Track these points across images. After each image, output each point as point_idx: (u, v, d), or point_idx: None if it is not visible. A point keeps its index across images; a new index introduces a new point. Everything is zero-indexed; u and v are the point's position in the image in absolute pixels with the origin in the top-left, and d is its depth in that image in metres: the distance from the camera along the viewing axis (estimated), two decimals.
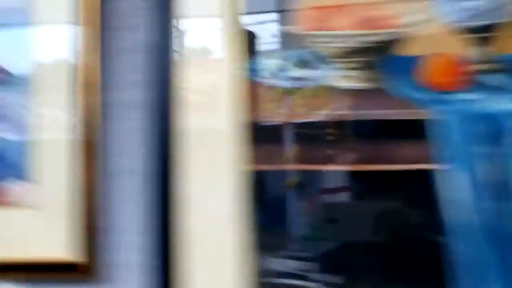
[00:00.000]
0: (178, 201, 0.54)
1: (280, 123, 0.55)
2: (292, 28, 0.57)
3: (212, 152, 0.55)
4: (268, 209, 0.54)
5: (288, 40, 0.57)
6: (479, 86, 0.52)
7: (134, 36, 0.60)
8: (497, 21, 0.53)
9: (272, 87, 0.56)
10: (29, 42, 0.61)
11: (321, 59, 0.56)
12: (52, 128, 0.59)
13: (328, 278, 0.51)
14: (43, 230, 0.57)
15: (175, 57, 0.57)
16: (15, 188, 0.58)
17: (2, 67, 0.61)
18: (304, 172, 0.54)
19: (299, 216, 0.53)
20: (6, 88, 0.61)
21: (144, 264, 0.55)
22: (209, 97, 0.56)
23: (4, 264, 0.57)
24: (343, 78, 0.55)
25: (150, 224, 0.55)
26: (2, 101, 0.60)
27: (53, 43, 0.61)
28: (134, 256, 0.56)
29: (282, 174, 0.54)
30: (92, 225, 0.56)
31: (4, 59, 0.62)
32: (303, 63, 0.56)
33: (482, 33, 0.53)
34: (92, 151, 0.57)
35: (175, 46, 0.57)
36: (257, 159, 0.54)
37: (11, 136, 0.59)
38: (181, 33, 0.57)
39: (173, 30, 0.57)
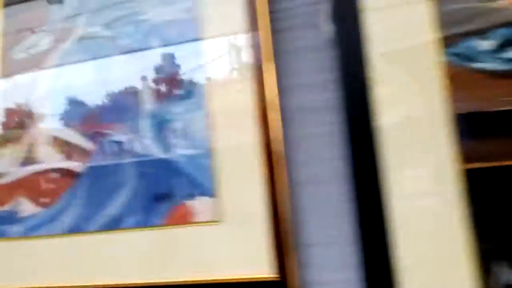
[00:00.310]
0: (385, 208, 0.49)
1: (496, 111, 0.48)
2: (499, 3, 0.50)
3: (419, 150, 0.49)
4: (494, 211, 0.47)
5: (496, 17, 0.50)
6: None
7: (311, 34, 0.56)
8: None
9: (481, 71, 0.49)
10: (202, 53, 0.59)
11: None
12: (232, 140, 0.56)
13: None
14: (233, 247, 0.54)
15: (363, 51, 0.52)
16: (201, 204, 0.56)
17: (180, 81, 0.59)
18: None
19: None
20: (184, 103, 0.59)
21: (350, 281, 0.50)
22: (409, 88, 0.50)
23: (196, 284, 0.54)
24: None
25: (353, 236, 0.51)
26: (181, 117, 0.58)
27: (227, 51, 0.58)
28: (339, 273, 0.51)
29: (506, 171, 0.47)
30: (286, 239, 0.52)
31: (180, 73, 0.60)
32: None
33: None
34: (278, 161, 0.54)
35: (361, 39, 0.52)
36: (473, 155, 0.48)
37: (192, 152, 0.57)
38: (366, 25, 0.52)
39: (358, 22, 0.52)
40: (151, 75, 0.61)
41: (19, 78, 0.69)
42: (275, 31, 0.56)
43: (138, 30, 0.63)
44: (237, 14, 0.58)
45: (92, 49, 0.65)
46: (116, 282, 0.57)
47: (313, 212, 0.54)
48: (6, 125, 0.68)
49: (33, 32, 0.69)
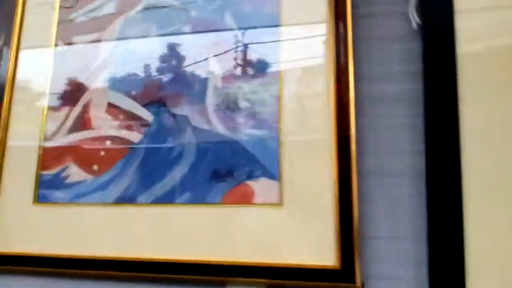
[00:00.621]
0: (458, 205, 0.48)
1: None
2: None
3: (500, 150, 0.48)
4: None
5: None
6: None
7: (392, 23, 0.55)
8: None
9: None
10: (278, 33, 0.58)
11: None
12: (302, 124, 0.55)
13: None
14: (295, 232, 0.53)
15: (451, 43, 0.50)
16: (264, 186, 0.54)
17: (252, 60, 0.58)
18: None
19: None
20: (255, 82, 0.57)
21: (413, 278, 0.49)
22: (497, 88, 0.49)
23: (253, 266, 0.53)
24: None
25: (420, 231, 0.50)
26: (250, 96, 0.57)
27: (300, 35, 0.57)
28: (402, 268, 0.50)
29: None
30: (352, 230, 0.51)
31: (253, 51, 0.58)
32: None
33: None
34: (347, 148, 0.52)
35: (450, 31, 0.51)
36: None
37: (259, 132, 0.56)
38: (457, 21, 0.51)
39: (448, 13, 0.51)
40: (220, 50, 0.59)
41: (79, 41, 0.67)
42: (357, 17, 0.55)
43: (211, 3, 0.61)
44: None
45: (160, 18, 0.63)
46: (166, 257, 0.56)
47: (381, 205, 0.52)
48: (61, 88, 0.66)
49: None
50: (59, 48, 0.67)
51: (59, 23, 0.68)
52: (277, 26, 0.58)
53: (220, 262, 0.54)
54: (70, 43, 0.67)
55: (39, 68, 0.67)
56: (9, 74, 0.68)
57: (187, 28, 0.61)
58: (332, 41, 0.55)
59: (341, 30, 0.55)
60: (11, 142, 0.66)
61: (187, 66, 0.60)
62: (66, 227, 0.60)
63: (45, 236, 0.61)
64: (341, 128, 0.53)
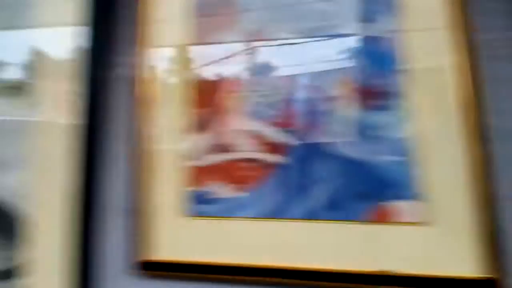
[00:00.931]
0: None
1: None
2: None
3: None
4: None
5: None
6: None
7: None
8: None
9: None
10: (401, 70, 0.64)
11: None
12: (440, 152, 0.61)
13: None
14: (444, 249, 0.59)
15: None
16: (406, 206, 0.61)
17: (383, 92, 0.64)
18: None
19: None
20: (388, 112, 0.64)
21: None
22: None
23: (407, 277, 0.59)
24: None
25: None
26: (385, 125, 0.64)
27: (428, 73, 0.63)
28: None
29: None
30: (495, 246, 0.57)
31: (383, 84, 0.64)
32: None
33: None
34: (484, 173, 0.59)
35: None
36: None
37: (390, 157, 0.63)
38: None
39: None
40: (351, 83, 0.66)
41: (208, 71, 0.74)
42: (483, 59, 0.61)
43: (334, 41, 0.67)
44: (441, 45, 0.63)
45: (288, 53, 0.69)
46: (315, 267, 0.63)
47: None
48: (199, 113, 0.73)
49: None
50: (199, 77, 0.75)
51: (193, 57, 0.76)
52: (398, 61, 0.64)
53: (373, 272, 0.60)
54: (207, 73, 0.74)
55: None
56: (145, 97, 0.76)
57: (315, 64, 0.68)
58: (460, 82, 0.62)
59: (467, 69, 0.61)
60: (161, 158, 0.74)
61: (317, 95, 0.67)
62: (220, 239, 0.69)
63: (201, 246, 0.69)
64: (476, 153, 0.59)
